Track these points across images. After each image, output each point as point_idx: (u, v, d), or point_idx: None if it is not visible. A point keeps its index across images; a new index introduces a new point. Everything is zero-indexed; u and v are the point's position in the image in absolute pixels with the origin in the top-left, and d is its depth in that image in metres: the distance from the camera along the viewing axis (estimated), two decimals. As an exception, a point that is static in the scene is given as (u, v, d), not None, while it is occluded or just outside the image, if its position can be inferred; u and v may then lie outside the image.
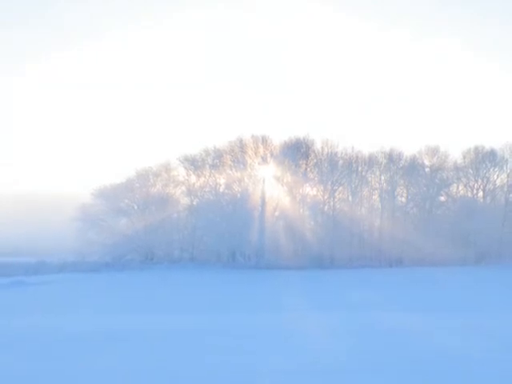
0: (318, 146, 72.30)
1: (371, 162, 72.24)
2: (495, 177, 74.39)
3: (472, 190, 74.73)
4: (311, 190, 72.83)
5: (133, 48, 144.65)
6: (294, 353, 15.62)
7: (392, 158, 72.44)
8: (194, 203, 67.62)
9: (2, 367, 14.02)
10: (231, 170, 70.23)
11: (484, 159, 73.82)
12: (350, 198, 72.44)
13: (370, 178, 72.79)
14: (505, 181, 74.16)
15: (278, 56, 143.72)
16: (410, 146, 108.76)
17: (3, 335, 18.97)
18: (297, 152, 70.73)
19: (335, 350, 16.05)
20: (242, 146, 70.66)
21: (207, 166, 69.28)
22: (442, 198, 74.76)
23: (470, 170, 74.11)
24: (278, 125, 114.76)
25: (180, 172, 68.87)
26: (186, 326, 20.99)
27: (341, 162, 71.80)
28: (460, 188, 75.27)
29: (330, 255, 65.41)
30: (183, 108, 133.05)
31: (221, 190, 69.75)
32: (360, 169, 72.15)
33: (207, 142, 75.30)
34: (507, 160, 73.60)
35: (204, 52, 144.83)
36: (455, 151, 77.32)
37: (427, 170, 73.41)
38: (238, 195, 69.09)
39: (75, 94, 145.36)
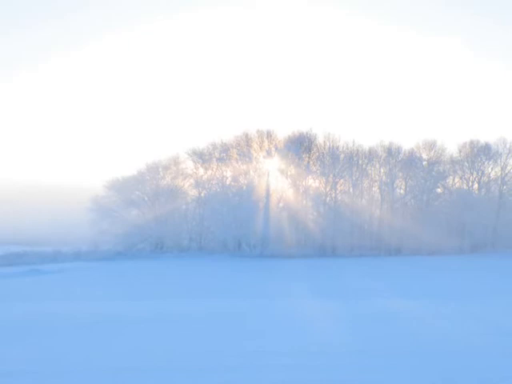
0: (320, 140, 72.31)
1: (371, 155, 72.19)
2: (490, 170, 74.49)
3: (467, 183, 74.71)
4: (314, 182, 72.80)
5: (140, 45, 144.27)
6: (298, 338, 15.55)
7: (391, 152, 72.37)
8: (202, 195, 67.60)
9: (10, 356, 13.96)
10: (237, 163, 70.14)
11: (479, 153, 73.82)
12: (351, 189, 72.34)
13: (370, 171, 72.73)
14: (499, 174, 74.20)
15: (281, 54, 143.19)
16: (408, 141, 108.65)
17: (16, 322, 18.97)
18: (300, 146, 70.73)
19: (336, 335, 15.99)
20: (247, 140, 70.65)
21: (214, 160, 69.17)
22: (439, 190, 74.63)
23: (466, 164, 74.13)
24: (281, 120, 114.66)
25: (188, 165, 68.84)
26: (193, 311, 20.91)
27: (342, 155, 71.74)
28: (456, 180, 75.23)
29: (332, 244, 65.36)
30: (191, 104, 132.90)
31: (227, 182, 69.65)
32: (360, 162, 72.08)
33: (214, 136, 75.04)
34: (501, 154, 73.65)
35: (210, 51, 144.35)
36: (451, 145, 77.26)
37: (425, 163, 73.32)
38: (244, 187, 68.97)
39: (89, 91, 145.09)
